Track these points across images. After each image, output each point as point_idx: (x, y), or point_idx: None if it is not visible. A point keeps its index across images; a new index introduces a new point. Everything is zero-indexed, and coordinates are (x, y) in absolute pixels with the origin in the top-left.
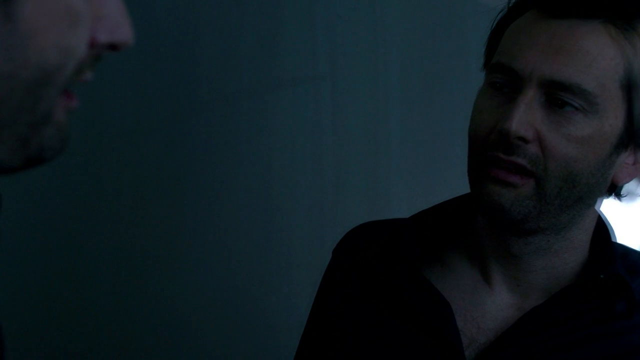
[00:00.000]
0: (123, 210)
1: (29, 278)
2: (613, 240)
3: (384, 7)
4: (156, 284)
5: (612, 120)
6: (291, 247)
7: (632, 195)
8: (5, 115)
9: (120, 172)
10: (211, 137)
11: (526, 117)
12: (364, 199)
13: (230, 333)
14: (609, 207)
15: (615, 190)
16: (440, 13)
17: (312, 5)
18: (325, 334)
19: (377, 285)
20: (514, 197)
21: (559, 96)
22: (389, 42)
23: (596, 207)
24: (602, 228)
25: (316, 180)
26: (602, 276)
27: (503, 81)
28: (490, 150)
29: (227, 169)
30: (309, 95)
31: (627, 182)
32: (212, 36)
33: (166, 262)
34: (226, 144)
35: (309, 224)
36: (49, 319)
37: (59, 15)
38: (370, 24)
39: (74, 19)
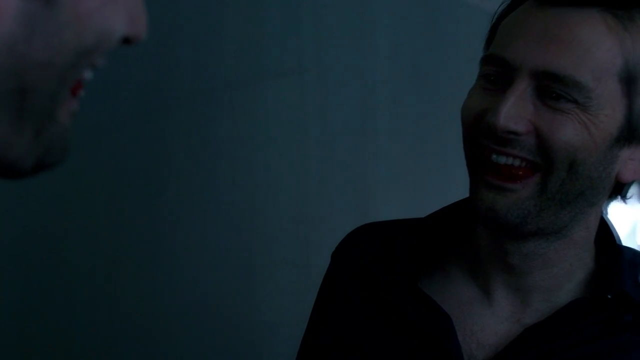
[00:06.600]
0: (103, 207)
1: (4, 276)
2: (618, 242)
3: None
4: (137, 281)
5: (609, 111)
6: (275, 244)
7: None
8: (34, 105)
9: (99, 167)
10: (193, 130)
11: (516, 109)
12: (349, 194)
13: (215, 330)
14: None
15: (621, 192)
16: (429, 3)
17: None
18: (324, 342)
19: (375, 296)
20: (512, 202)
21: (552, 88)
22: (376, 32)
23: (602, 212)
24: (606, 230)
25: (300, 175)
26: (609, 296)
27: (495, 73)
28: (482, 137)
29: (210, 163)
30: (294, 88)
31: (633, 179)
32: (195, 27)
33: (147, 259)
34: (209, 137)
35: (293, 220)
36: (23, 317)
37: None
38: (357, 13)
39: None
